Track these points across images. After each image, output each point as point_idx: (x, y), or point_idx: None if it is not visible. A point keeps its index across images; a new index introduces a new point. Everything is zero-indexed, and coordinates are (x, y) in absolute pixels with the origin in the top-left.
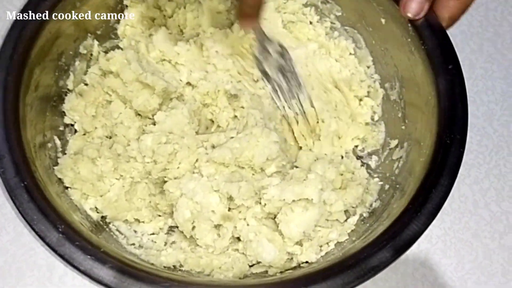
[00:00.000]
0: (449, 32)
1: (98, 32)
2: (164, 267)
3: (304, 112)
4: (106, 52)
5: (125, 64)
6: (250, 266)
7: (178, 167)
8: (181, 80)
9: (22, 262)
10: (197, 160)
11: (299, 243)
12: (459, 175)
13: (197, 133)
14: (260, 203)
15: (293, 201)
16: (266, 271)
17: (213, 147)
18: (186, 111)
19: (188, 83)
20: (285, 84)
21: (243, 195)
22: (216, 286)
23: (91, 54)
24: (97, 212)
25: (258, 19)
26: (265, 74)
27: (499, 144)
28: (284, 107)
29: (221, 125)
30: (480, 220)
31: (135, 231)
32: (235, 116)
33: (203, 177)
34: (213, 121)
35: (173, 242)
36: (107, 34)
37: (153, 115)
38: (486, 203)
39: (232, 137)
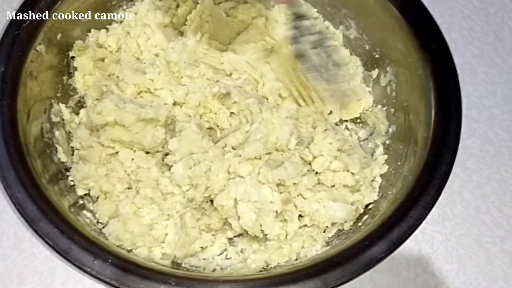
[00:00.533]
0: (450, 36)
1: (59, 95)
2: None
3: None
4: (75, 113)
5: (120, 109)
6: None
7: (217, 181)
8: (166, 104)
9: (23, 268)
10: (229, 166)
11: (356, 189)
12: (460, 180)
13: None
14: (305, 175)
15: (338, 150)
16: (340, 229)
17: (234, 148)
18: (195, 127)
19: (175, 103)
20: (319, 61)
21: (291, 174)
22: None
23: (63, 119)
24: (167, 258)
25: None
26: (299, 53)
27: (501, 150)
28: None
29: (224, 126)
30: (482, 225)
31: (204, 259)
32: (231, 113)
33: (246, 177)
34: (212, 128)
35: (243, 250)
36: (66, 93)
37: (162, 147)
38: (487, 208)
39: (247, 131)
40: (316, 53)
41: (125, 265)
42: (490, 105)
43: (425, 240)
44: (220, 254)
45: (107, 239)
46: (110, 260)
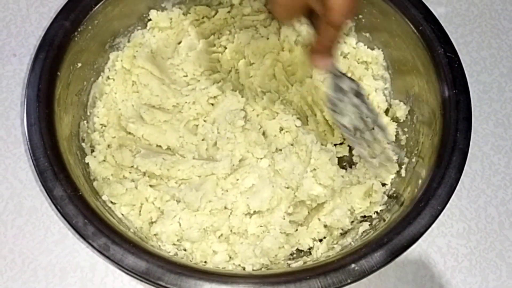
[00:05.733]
0: (479, 55)
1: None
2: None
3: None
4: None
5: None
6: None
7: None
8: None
9: (66, 263)
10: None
11: None
12: (486, 195)
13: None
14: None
15: None
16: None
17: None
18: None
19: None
20: (363, 124)
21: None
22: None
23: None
24: None
25: (333, 57)
26: (337, 117)
27: None
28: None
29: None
30: (505, 241)
31: None
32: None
33: None
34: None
35: None
36: None
37: None
38: (511, 224)
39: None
40: (356, 116)
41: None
42: None
43: (450, 253)
44: None
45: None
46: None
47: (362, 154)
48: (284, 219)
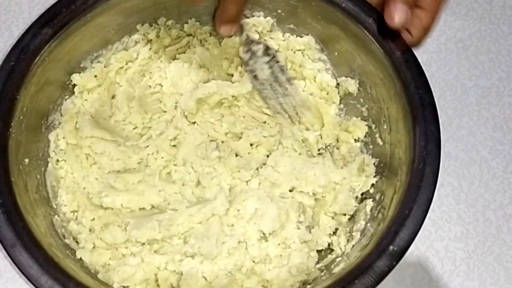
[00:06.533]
0: (477, 59)
1: None
2: None
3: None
4: None
5: None
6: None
7: None
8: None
9: None
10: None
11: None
12: (484, 199)
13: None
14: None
15: None
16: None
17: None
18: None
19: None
20: (274, 81)
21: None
22: None
23: None
24: None
25: (238, 24)
26: (253, 75)
27: None
28: (276, 104)
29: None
30: (503, 245)
31: None
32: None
33: None
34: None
35: None
36: None
37: None
38: (509, 228)
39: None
40: (270, 70)
41: None
42: None
43: (447, 256)
44: None
45: None
46: None
47: (274, 107)
48: (299, 228)
